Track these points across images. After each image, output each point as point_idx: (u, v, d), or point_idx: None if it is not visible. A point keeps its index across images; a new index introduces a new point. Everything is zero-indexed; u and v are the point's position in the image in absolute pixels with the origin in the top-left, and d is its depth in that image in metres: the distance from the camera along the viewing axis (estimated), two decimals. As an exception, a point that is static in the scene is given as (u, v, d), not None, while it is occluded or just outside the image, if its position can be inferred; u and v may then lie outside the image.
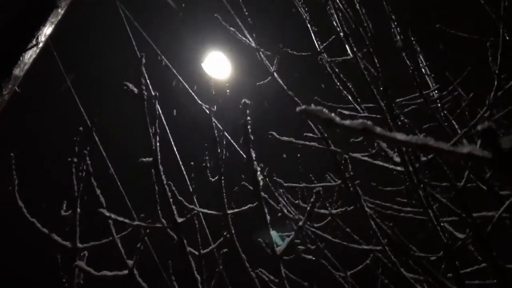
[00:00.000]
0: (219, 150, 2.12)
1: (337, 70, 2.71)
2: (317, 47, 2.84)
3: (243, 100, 1.22)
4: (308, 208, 1.42)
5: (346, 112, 2.34)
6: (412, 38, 3.35)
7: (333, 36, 2.77)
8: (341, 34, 2.44)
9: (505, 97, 2.57)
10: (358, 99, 2.65)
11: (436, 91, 3.24)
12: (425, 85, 3.29)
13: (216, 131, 2.20)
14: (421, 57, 3.42)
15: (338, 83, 2.62)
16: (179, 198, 2.45)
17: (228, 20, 3.23)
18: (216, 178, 2.10)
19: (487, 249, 2.11)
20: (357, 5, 2.58)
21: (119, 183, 4.35)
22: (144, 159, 1.88)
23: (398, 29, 2.91)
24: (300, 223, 1.42)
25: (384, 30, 2.97)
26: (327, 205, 3.16)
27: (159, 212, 2.00)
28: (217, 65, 8.26)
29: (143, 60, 1.87)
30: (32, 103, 8.82)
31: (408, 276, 2.00)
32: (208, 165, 2.79)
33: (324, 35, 3.12)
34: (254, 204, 1.56)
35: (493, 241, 2.15)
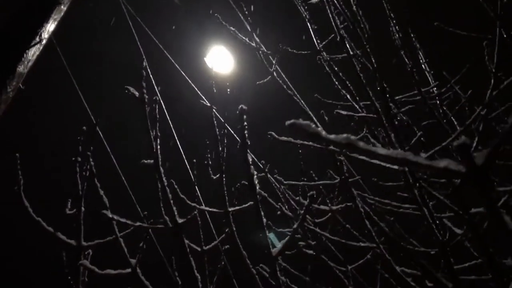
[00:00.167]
0: (220, 148, 2.14)
1: (336, 68, 2.73)
2: (317, 46, 2.87)
3: (240, 106, 1.25)
4: (302, 211, 1.46)
5: (344, 113, 2.37)
6: (412, 35, 3.37)
7: (332, 35, 2.79)
8: (338, 38, 2.46)
9: (505, 94, 2.58)
10: (357, 98, 2.67)
11: (435, 88, 3.25)
12: (424, 82, 3.30)
13: (217, 129, 2.22)
14: (420, 54, 3.43)
15: (336, 82, 2.65)
16: (181, 196, 2.49)
17: (228, 18, 3.25)
18: (218, 176, 2.13)
19: (484, 245, 2.14)
20: (354, 7, 2.60)
21: (124, 181, 4.41)
22: (145, 161, 1.91)
23: (397, 27, 2.92)
24: (295, 226, 1.46)
25: (382, 28, 2.99)
26: (327, 201, 3.20)
27: (163, 210, 2.04)
28: (220, 59, 8.27)
29: (144, 64, 1.90)
30: (34, 101, 8.87)
31: (403, 273, 2.04)
32: (210, 162, 2.82)
33: (324, 33, 3.14)
34: (254, 203, 1.59)
35: (489, 237, 2.18)
